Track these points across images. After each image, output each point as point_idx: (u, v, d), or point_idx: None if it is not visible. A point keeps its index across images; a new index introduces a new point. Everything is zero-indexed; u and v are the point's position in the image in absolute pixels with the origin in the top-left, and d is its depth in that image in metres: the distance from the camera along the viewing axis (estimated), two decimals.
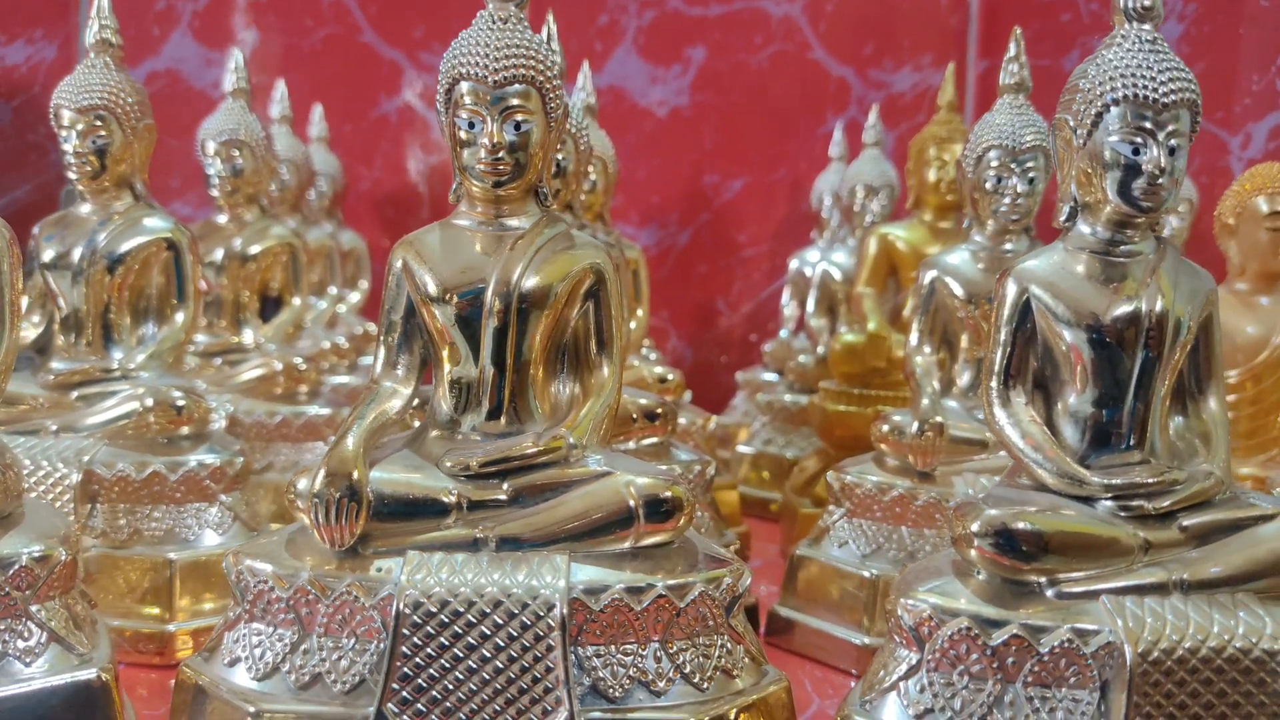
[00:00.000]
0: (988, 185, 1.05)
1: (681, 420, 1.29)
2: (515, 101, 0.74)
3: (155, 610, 0.96)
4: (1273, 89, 1.86)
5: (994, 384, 0.76)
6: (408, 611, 0.68)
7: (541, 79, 0.75)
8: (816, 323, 1.61)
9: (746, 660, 0.74)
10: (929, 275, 1.07)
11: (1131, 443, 0.74)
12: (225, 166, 1.32)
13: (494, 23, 0.76)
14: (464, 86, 0.74)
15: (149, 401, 0.99)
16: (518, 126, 0.74)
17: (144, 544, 0.97)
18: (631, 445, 1.05)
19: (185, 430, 1.01)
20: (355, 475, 0.70)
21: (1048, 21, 1.88)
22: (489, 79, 0.74)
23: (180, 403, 1.00)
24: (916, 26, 1.89)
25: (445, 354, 0.77)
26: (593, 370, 0.79)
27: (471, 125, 0.74)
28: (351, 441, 0.72)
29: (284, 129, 1.62)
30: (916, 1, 1.90)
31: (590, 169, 1.32)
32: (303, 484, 0.71)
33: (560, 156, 1.08)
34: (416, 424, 0.81)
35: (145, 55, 1.89)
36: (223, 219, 1.36)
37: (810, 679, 0.98)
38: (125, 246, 1.04)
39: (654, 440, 1.06)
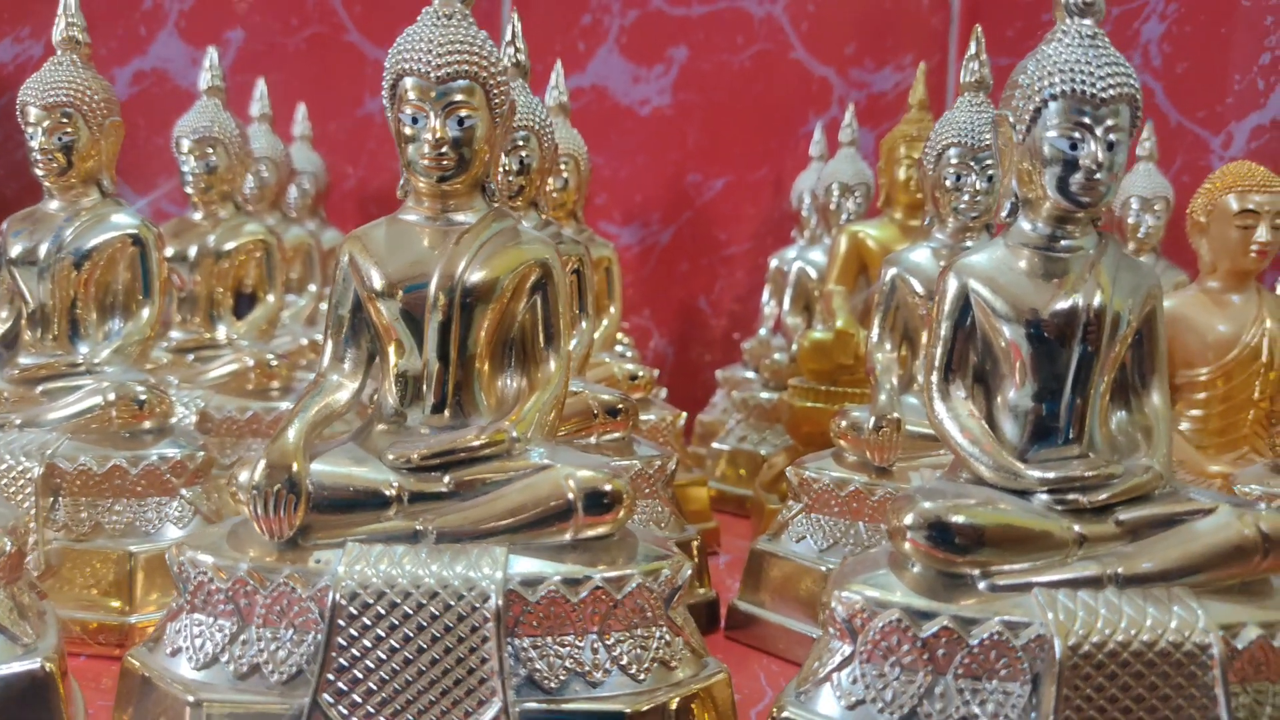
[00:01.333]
0: (947, 183, 1.06)
1: (651, 416, 1.30)
2: (459, 97, 0.75)
3: (117, 603, 0.97)
4: (1254, 88, 1.86)
5: (934, 379, 0.76)
6: (343, 603, 0.68)
7: (485, 74, 0.75)
8: (792, 321, 1.61)
9: (686, 652, 0.74)
10: (890, 273, 1.07)
11: (1070, 437, 0.74)
12: (199, 164, 1.33)
13: (439, 19, 0.76)
14: (408, 82, 0.75)
15: (111, 396, 1.00)
16: (461, 122, 0.75)
17: (105, 537, 0.98)
18: (593, 440, 1.05)
19: (147, 424, 1.02)
20: (295, 467, 0.70)
21: (1029, 20, 1.88)
22: (431, 74, 0.74)
23: (142, 397, 1.01)
24: (898, 26, 1.89)
25: (391, 348, 0.77)
26: (539, 364, 0.79)
27: (415, 120, 0.75)
28: (292, 434, 0.73)
29: (264, 127, 1.63)
30: (898, 1, 1.90)
31: (562, 166, 1.33)
32: (243, 476, 0.71)
33: (524, 153, 1.08)
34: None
35: (133, 54, 1.90)
36: (198, 216, 1.36)
37: (766, 673, 0.98)
38: (91, 242, 1.05)
39: (617, 435, 1.06)
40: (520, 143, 1.08)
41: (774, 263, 1.75)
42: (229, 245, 1.34)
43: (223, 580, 0.71)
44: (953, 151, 1.06)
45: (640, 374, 1.31)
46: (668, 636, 0.73)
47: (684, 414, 1.35)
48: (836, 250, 1.35)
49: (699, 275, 1.96)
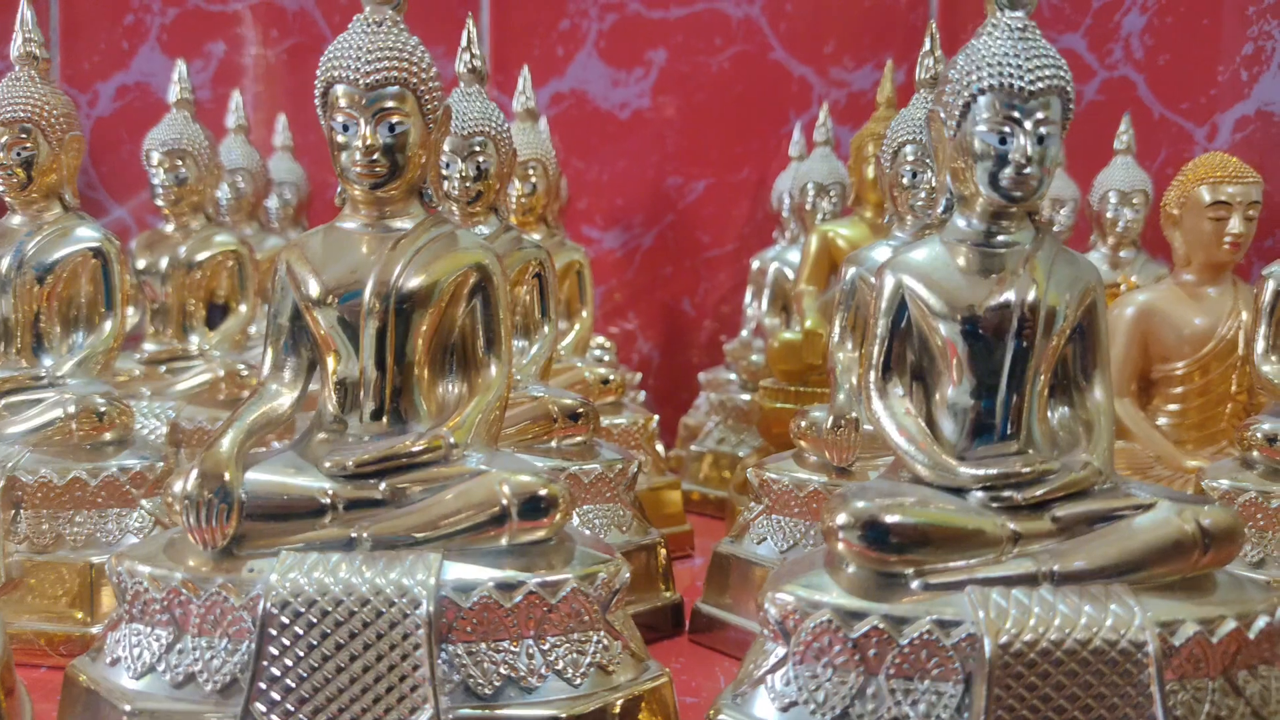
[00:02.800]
0: (904, 180, 1.05)
1: (622, 420, 1.30)
2: (390, 104, 0.75)
3: (79, 614, 0.97)
4: (1238, 79, 1.85)
5: (872, 377, 0.76)
6: (274, 611, 0.68)
7: (416, 81, 0.76)
8: (770, 321, 1.61)
9: (625, 656, 0.74)
10: (850, 272, 1.07)
11: (1008, 433, 0.74)
12: (169, 176, 1.33)
13: (369, 26, 0.77)
14: (338, 89, 0.75)
15: (71, 408, 1.00)
16: (392, 128, 0.75)
17: (66, 549, 0.98)
18: (554, 444, 1.05)
19: (108, 436, 1.02)
20: (226, 477, 0.71)
21: None
22: (361, 81, 0.74)
23: (102, 409, 1.01)
24: (877, 25, 1.88)
25: (329, 356, 0.77)
26: (480, 370, 0.79)
27: (346, 128, 0.75)
28: (226, 443, 0.73)
29: (240, 138, 1.64)
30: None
31: (530, 172, 1.33)
32: (176, 486, 0.71)
33: (481, 159, 1.08)
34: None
35: (115, 69, 1.91)
36: (169, 228, 1.37)
37: (727, 675, 0.97)
38: (53, 256, 1.06)
39: (579, 439, 1.06)
40: (477, 148, 1.08)
41: (755, 264, 1.75)
42: (200, 256, 1.35)
43: (158, 590, 0.71)
44: (909, 149, 1.05)
45: (611, 378, 1.31)
46: (605, 641, 0.73)
47: (656, 417, 1.35)
48: (807, 250, 1.35)
49: (682, 277, 1.96)
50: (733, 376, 1.66)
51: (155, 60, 1.91)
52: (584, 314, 1.38)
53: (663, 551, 1.08)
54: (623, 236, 1.94)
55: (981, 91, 0.71)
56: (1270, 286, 1.12)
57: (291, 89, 1.89)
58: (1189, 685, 0.67)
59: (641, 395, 1.59)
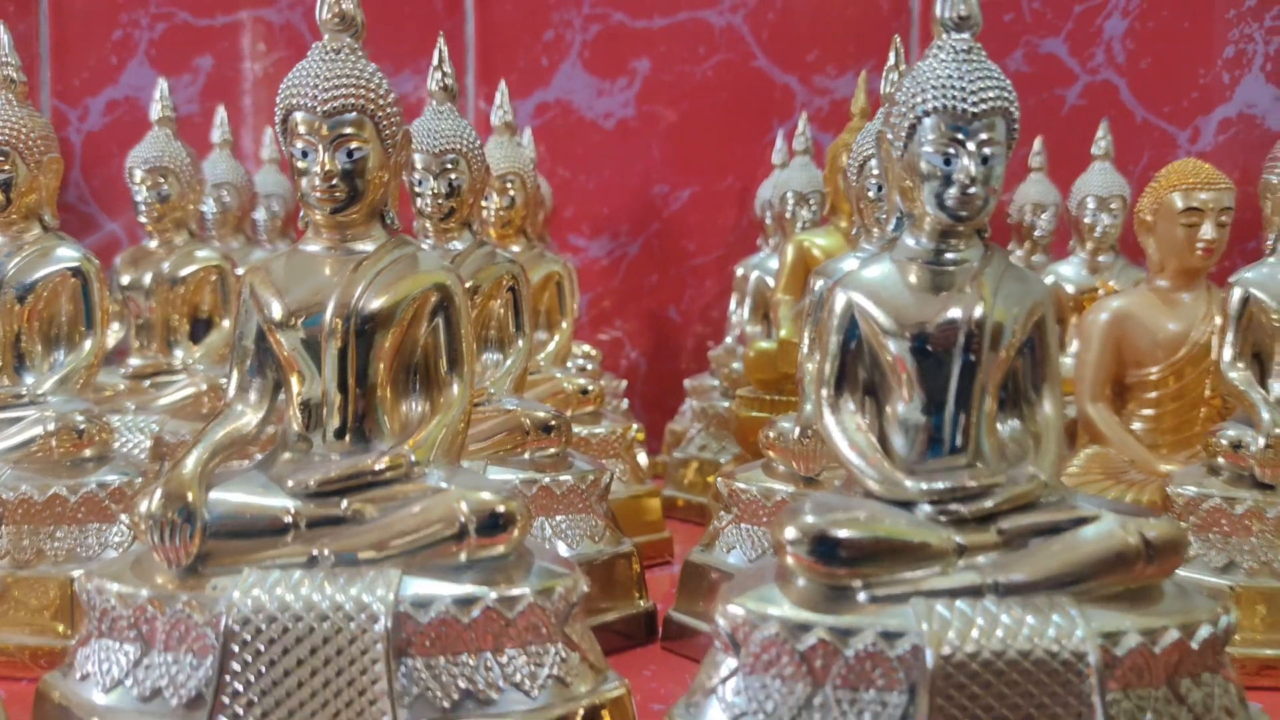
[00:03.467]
0: (870, 193, 1.07)
1: (601, 429, 1.32)
2: (348, 130, 0.76)
3: (60, 627, 0.99)
4: (1220, 82, 1.86)
5: (825, 393, 0.77)
6: (236, 627, 0.70)
7: (373, 107, 0.77)
8: (751, 329, 1.62)
9: (584, 668, 0.75)
10: (819, 284, 1.08)
11: (957, 447, 0.75)
12: (151, 193, 1.35)
13: (327, 54, 0.78)
14: (297, 116, 0.77)
15: (51, 426, 1.02)
16: (350, 154, 0.77)
17: (47, 563, 1.00)
18: (527, 456, 1.06)
19: (88, 453, 1.04)
20: (190, 497, 0.72)
21: (990, 22, 1.87)
22: (319, 108, 0.76)
23: (81, 426, 1.03)
24: (859, 32, 1.90)
25: (293, 376, 0.79)
26: (442, 389, 0.81)
27: (305, 154, 0.77)
28: (190, 463, 0.74)
29: (225, 153, 1.66)
30: (859, 7, 1.91)
31: (508, 185, 1.35)
32: (141, 506, 0.73)
33: (453, 176, 1.10)
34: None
35: (105, 84, 1.94)
36: (153, 244, 1.39)
37: None
38: (34, 276, 1.08)
39: (552, 451, 1.08)
40: (449, 165, 1.10)
41: (739, 271, 1.76)
42: (183, 272, 1.37)
43: (125, 607, 0.72)
44: (874, 162, 1.06)
45: (590, 388, 1.32)
46: (563, 653, 0.74)
47: (635, 425, 1.36)
48: (784, 259, 1.36)
49: (668, 285, 1.97)
50: (716, 383, 1.67)
51: (144, 75, 1.93)
52: (564, 325, 1.39)
53: (636, 560, 1.09)
54: (609, 245, 1.95)
55: (927, 113, 0.73)
56: (1237, 294, 1.13)
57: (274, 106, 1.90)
58: (1132, 695, 0.68)
59: (624, 404, 1.60)
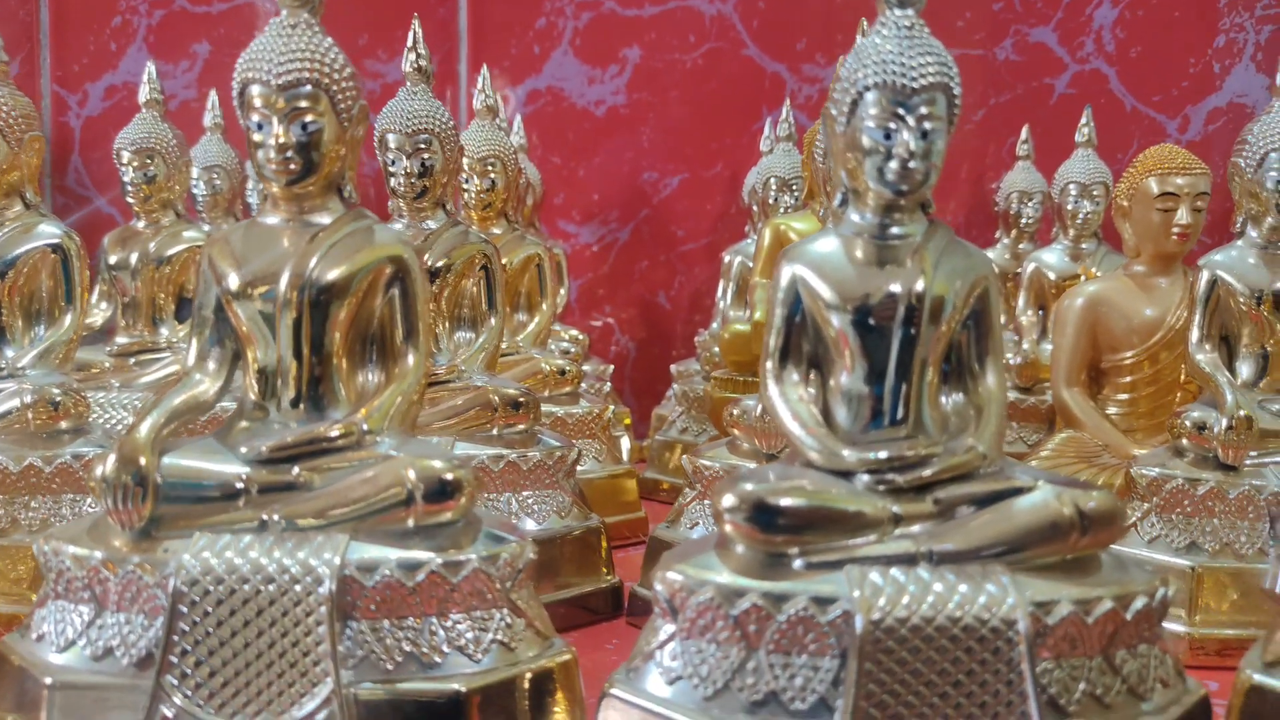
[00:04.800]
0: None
1: (578, 410, 1.33)
2: (302, 103, 0.78)
3: (34, 595, 1.01)
4: (1210, 71, 1.86)
5: (769, 365, 0.78)
6: (184, 589, 0.72)
7: (328, 81, 0.78)
8: (734, 314, 1.63)
9: (529, 634, 0.77)
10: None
11: (899, 419, 0.76)
12: (138, 174, 1.38)
13: (283, 28, 0.80)
14: (253, 90, 0.78)
15: (27, 398, 1.04)
16: (305, 127, 0.78)
17: (22, 533, 1.02)
18: (495, 433, 1.08)
19: (64, 425, 1.06)
20: (142, 461, 0.74)
21: (979, 11, 1.88)
22: (273, 82, 0.77)
23: (57, 399, 1.05)
24: (848, 21, 1.90)
25: (249, 346, 0.81)
26: (398, 360, 0.82)
27: (260, 127, 0.78)
28: (144, 429, 0.76)
29: (216, 136, 1.68)
30: None
31: (489, 168, 1.36)
32: (97, 470, 0.75)
33: (426, 156, 1.11)
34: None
35: (104, 70, 1.96)
36: (140, 224, 1.41)
37: None
38: (14, 252, 1.10)
39: (520, 428, 1.09)
40: (422, 145, 1.11)
41: (726, 257, 1.77)
42: (169, 252, 1.39)
43: (80, 569, 0.74)
44: None
45: (568, 369, 1.34)
46: (508, 619, 0.76)
47: (611, 407, 1.37)
48: (761, 243, 1.37)
49: (658, 271, 1.98)
50: (699, 367, 1.68)
51: (143, 61, 1.95)
52: (544, 307, 1.41)
53: (603, 536, 1.11)
54: (599, 231, 1.97)
55: (868, 88, 0.74)
56: (1205, 276, 1.13)
57: None
58: (1065, 664, 0.69)
59: (607, 387, 1.62)
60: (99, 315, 1.42)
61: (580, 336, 1.72)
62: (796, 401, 0.77)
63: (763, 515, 0.70)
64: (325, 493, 0.76)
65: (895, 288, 0.75)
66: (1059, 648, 0.68)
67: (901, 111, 0.73)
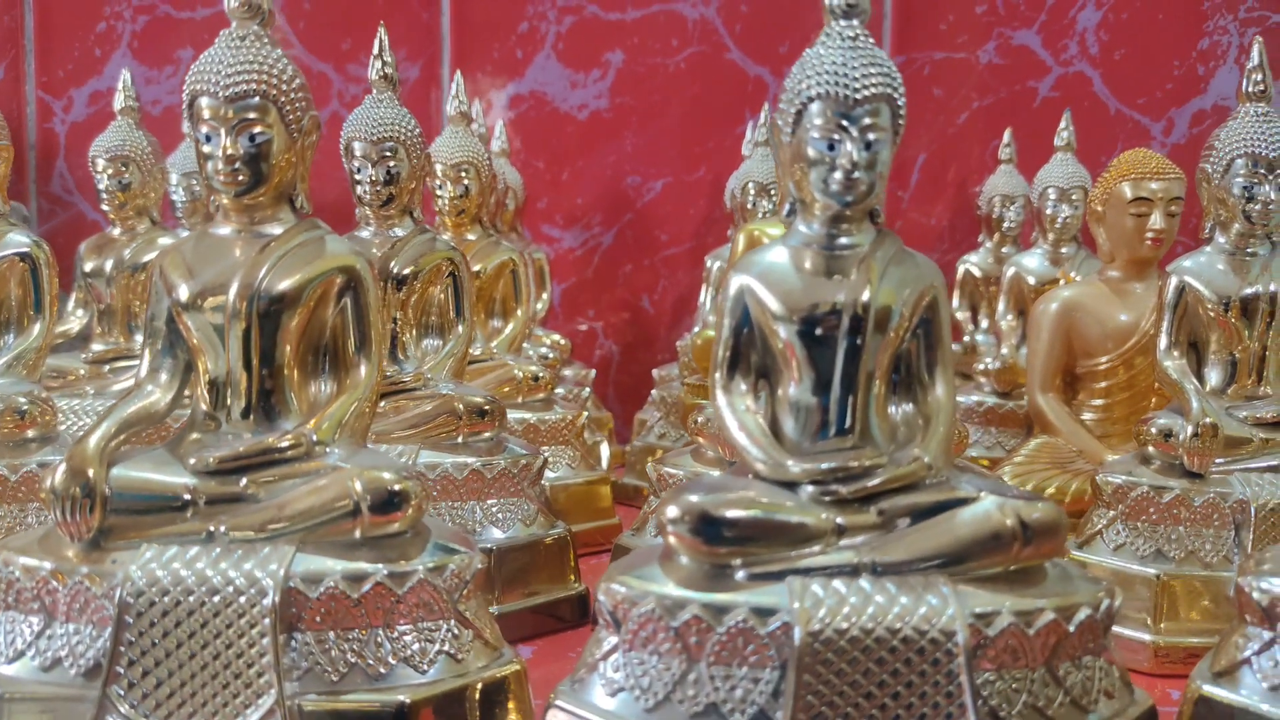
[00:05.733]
0: None
1: (551, 415, 1.33)
2: (251, 115, 0.78)
3: None
4: (1194, 73, 1.85)
5: (718, 375, 0.78)
6: (130, 600, 0.72)
7: (276, 93, 0.79)
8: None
9: (477, 644, 0.77)
10: None
11: (846, 429, 0.76)
12: (113, 181, 1.38)
13: (232, 41, 0.80)
14: (202, 101, 0.79)
15: None
16: (253, 138, 0.78)
17: None
18: (460, 440, 1.08)
19: (31, 433, 1.06)
20: (91, 473, 0.74)
21: (962, 14, 1.88)
22: (221, 94, 0.78)
23: (24, 407, 1.05)
24: None
25: (200, 357, 0.81)
26: (349, 370, 0.83)
27: (209, 139, 0.78)
28: (94, 440, 0.76)
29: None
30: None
31: (462, 175, 1.36)
32: (47, 481, 0.75)
33: (391, 164, 1.12)
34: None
35: (89, 76, 1.97)
36: (116, 231, 1.42)
37: None
38: None
39: (486, 435, 1.09)
40: (388, 153, 1.11)
41: (709, 262, 1.77)
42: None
43: (30, 579, 0.75)
44: None
45: (541, 375, 1.34)
46: (455, 630, 0.76)
47: (585, 413, 1.37)
48: (735, 248, 1.37)
49: (642, 276, 1.98)
50: (680, 373, 1.68)
51: (127, 67, 1.96)
52: (519, 313, 1.41)
53: (570, 544, 1.11)
54: (582, 235, 1.97)
55: (811, 99, 0.74)
56: (1173, 282, 1.13)
57: None
58: (1007, 675, 0.69)
59: (586, 392, 1.62)
60: (75, 322, 1.42)
61: (562, 341, 1.72)
62: (743, 412, 0.77)
63: (706, 526, 0.70)
64: (272, 504, 0.76)
65: (840, 298, 0.75)
66: (1000, 659, 0.68)
67: (845, 123, 0.73)
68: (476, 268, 1.37)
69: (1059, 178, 1.59)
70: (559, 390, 1.53)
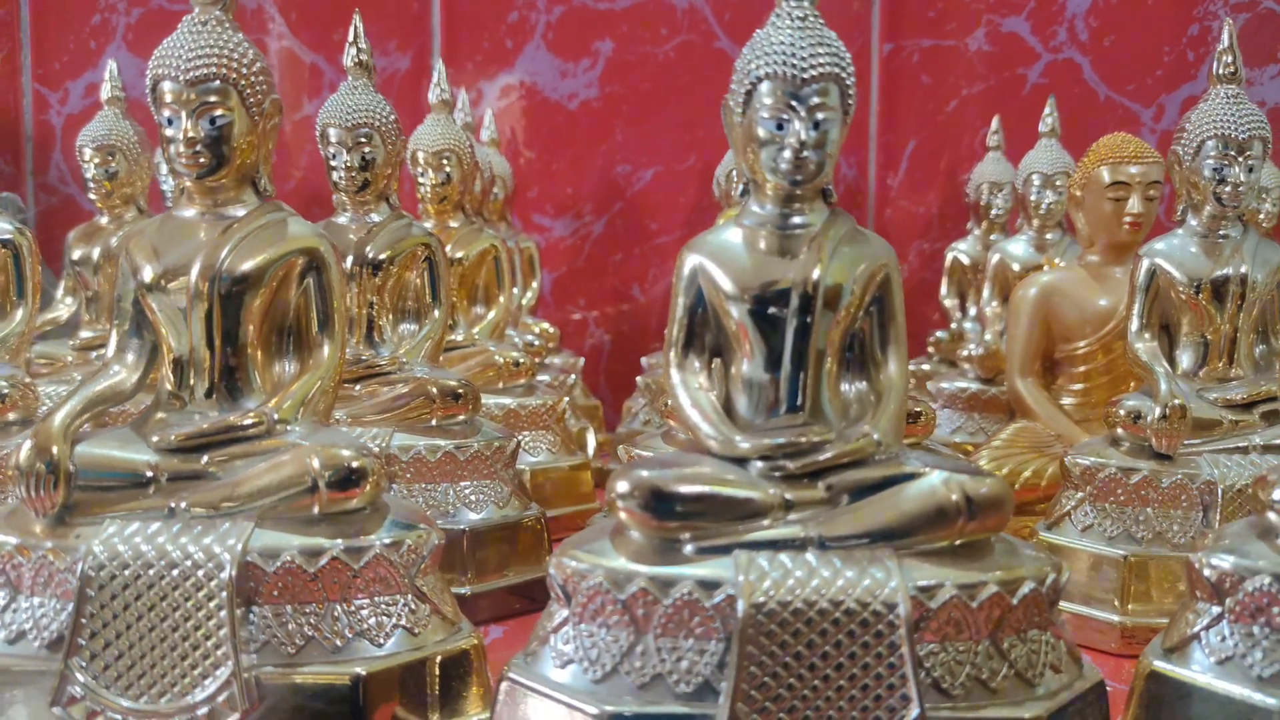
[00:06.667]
0: None
1: (533, 401, 1.34)
2: (211, 98, 0.79)
3: None
4: (1184, 60, 1.85)
5: (672, 354, 0.79)
6: (92, 573, 0.73)
7: (236, 76, 0.80)
8: None
9: (434, 619, 0.78)
10: None
11: (797, 406, 0.77)
12: (100, 170, 1.40)
13: (194, 26, 0.81)
14: (164, 86, 0.80)
15: None
16: (214, 121, 0.79)
17: None
18: (434, 423, 1.09)
19: (11, 416, 1.08)
20: (55, 450, 0.76)
21: (951, 1, 1.88)
22: (182, 78, 0.79)
23: (4, 391, 1.07)
24: (821, 11, 1.90)
25: (165, 337, 0.82)
26: (312, 350, 0.84)
27: (171, 122, 0.80)
28: (59, 418, 0.78)
29: None
30: None
31: (444, 161, 1.37)
32: (13, 458, 0.77)
33: (366, 150, 1.13)
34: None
35: (85, 68, 1.99)
36: (104, 220, 1.43)
37: None
38: None
39: (460, 419, 1.10)
40: (363, 139, 1.13)
41: None
42: None
43: None
44: None
45: (522, 361, 1.35)
46: (413, 604, 0.77)
47: (566, 399, 1.38)
48: None
49: (632, 264, 1.99)
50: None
51: (122, 59, 1.98)
52: (501, 299, 1.42)
53: (543, 526, 1.12)
54: (573, 224, 1.98)
55: (760, 79, 0.74)
56: (1144, 265, 1.13)
57: None
58: (950, 647, 0.69)
59: (572, 379, 1.63)
60: (64, 310, 1.44)
61: (551, 329, 1.74)
62: (696, 390, 0.78)
63: (655, 501, 0.71)
64: (231, 481, 0.77)
65: (790, 276, 0.76)
66: (943, 631, 0.69)
67: (794, 102, 0.74)
68: (459, 255, 1.39)
69: (1043, 164, 1.60)
70: (544, 377, 1.54)
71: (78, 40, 1.96)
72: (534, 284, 1.84)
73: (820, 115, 0.74)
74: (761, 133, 0.75)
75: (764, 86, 0.74)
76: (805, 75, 0.73)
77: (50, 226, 1.88)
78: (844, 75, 0.75)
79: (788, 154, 0.74)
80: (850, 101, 0.76)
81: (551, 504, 1.32)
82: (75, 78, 1.97)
